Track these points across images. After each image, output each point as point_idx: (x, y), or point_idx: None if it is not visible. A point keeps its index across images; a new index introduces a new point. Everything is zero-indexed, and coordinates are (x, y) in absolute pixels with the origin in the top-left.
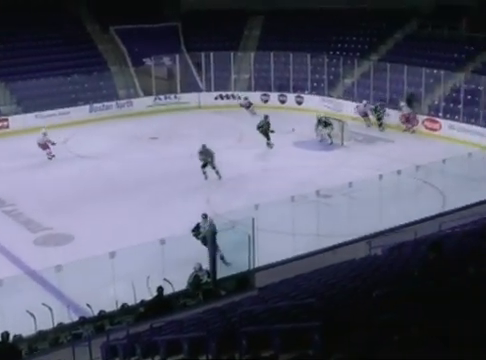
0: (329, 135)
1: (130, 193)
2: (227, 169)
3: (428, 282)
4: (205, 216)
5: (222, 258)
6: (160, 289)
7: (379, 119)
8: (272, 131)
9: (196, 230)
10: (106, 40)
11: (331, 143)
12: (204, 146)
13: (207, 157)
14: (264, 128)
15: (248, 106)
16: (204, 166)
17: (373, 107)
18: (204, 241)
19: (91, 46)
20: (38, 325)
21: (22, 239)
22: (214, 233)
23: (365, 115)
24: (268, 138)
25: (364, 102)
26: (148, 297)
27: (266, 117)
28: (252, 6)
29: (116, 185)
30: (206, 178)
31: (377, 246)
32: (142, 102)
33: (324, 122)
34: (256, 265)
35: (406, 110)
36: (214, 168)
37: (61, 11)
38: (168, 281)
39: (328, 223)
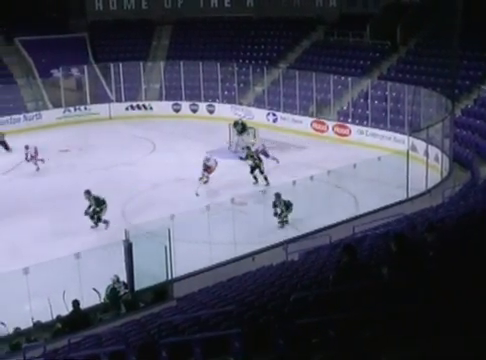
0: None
1: (41, 208)
2: (141, 180)
3: (343, 285)
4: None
5: None
6: (76, 303)
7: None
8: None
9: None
10: (11, 52)
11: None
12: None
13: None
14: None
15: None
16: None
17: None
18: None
19: None
20: None
21: None
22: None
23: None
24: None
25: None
26: (65, 312)
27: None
28: (160, 16)
29: (25, 200)
30: None
31: (294, 251)
32: (51, 114)
33: (241, 124)
34: (174, 275)
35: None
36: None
37: None
38: (96, 290)
39: (244, 230)
